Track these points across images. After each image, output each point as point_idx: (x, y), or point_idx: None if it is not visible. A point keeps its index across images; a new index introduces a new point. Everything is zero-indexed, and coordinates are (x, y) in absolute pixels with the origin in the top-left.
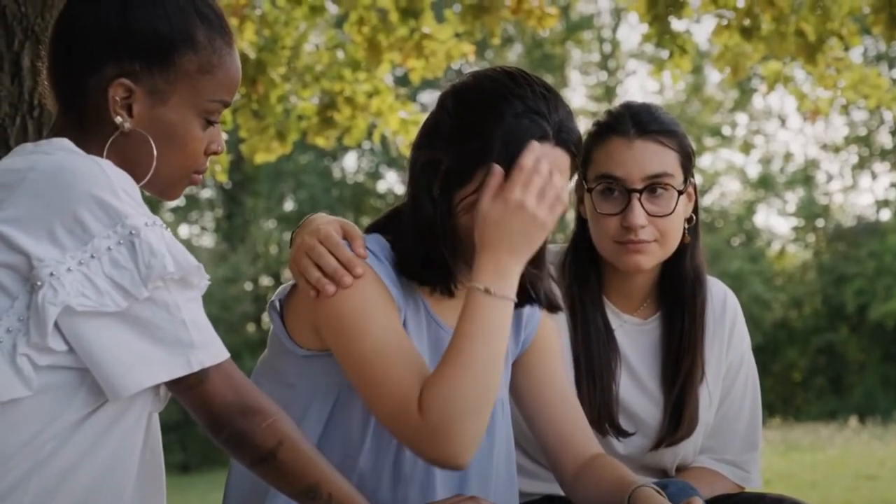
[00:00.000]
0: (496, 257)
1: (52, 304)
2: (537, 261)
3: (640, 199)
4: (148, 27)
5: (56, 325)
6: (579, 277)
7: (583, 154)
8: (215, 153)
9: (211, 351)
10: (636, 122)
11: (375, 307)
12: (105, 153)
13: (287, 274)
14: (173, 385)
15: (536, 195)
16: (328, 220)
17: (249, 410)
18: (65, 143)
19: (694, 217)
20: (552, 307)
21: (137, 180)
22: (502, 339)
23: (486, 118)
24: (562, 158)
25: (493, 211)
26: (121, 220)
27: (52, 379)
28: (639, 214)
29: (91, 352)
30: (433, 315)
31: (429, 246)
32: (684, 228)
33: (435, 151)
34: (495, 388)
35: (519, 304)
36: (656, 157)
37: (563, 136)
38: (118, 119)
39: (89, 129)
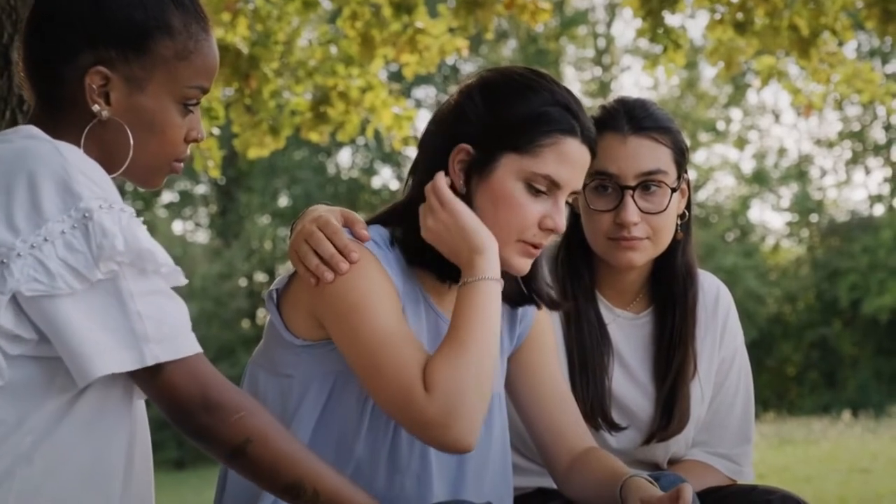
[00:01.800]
0: (465, 261)
1: (1, 293)
2: (534, 262)
3: (633, 197)
4: (122, 14)
5: (24, 311)
6: (572, 272)
7: None
8: (195, 141)
9: (169, 346)
10: (630, 118)
11: (376, 293)
12: (82, 142)
13: (282, 269)
14: (132, 376)
15: (429, 211)
16: (329, 209)
17: (212, 405)
18: (31, 130)
19: (687, 213)
20: (553, 304)
21: (116, 168)
22: (495, 318)
23: (516, 105)
24: (586, 157)
25: (436, 244)
26: (75, 203)
27: (24, 371)
28: (632, 212)
29: (57, 336)
30: (433, 305)
31: None
32: (677, 225)
33: (459, 135)
34: (493, 368)
35: (518, 304)
36: (650, 155)
37: (587, 134)
38: (96, 107)
39: (66, 118)
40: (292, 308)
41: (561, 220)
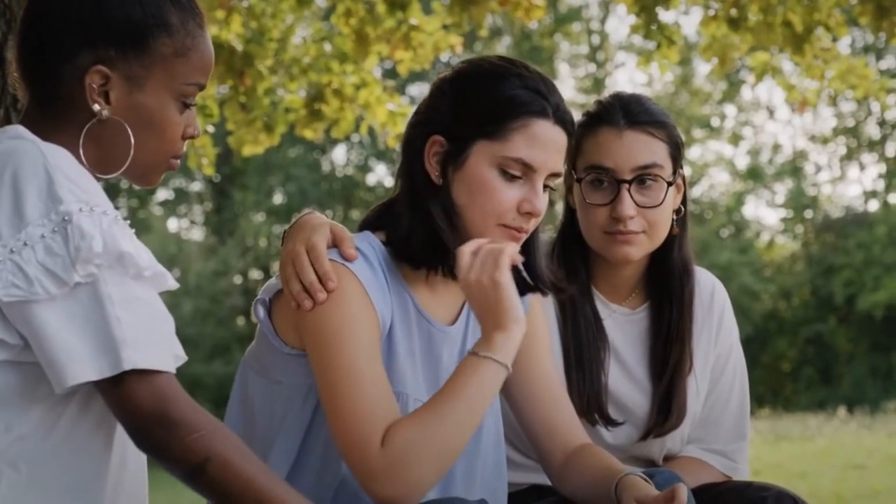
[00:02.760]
0: (486, 331)
1: None
2: (531, 249)
3: (629, 190)
4: (121, 12)
5: (5, 316)
6: (568, 267)
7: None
8: (192, 137)
9: (147, 354)
10: (626, 112)
11: (351, 327)
12: (81, 141)
13: (276, 266)
14: (95, 383)
15: (479, 267)
16: (319, 225)
17: (169, 422)
18: (19, 130)
19: (682, 208)
20: (557, 289)
21: (115, 167)
22: (485, 401)
23: (484, 92)
24: (560, 137)
25: (467, 295)
26: (56, 206)
27: (9, 376)
28: (628, 205)
29: (36, 341)
30: (422, 311)
31: (427, 226)
32: (673, 220)
33: (433, 127)
34: (461, 448)
35: (521, 293)
36: (646, 149)
37: (560, 115)
38: (96, 107)
39: (63, 118)
40: (282, 317)
41: (539, 203)
